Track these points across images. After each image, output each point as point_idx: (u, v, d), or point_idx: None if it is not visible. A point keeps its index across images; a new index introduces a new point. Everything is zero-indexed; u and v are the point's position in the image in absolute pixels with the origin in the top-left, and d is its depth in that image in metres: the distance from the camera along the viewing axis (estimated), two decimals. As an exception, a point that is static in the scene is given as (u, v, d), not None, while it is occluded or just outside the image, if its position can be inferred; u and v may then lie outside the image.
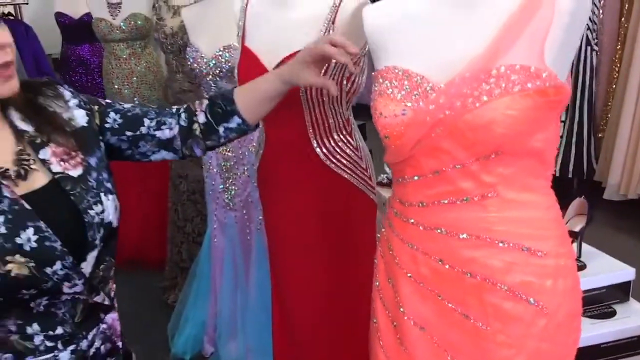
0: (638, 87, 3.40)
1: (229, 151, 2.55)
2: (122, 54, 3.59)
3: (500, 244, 1.09)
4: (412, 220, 1.16)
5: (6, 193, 0.98)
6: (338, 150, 1.68)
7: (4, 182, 1.00)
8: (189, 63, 2.49)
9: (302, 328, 1.94)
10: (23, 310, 1.01)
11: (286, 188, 1.75)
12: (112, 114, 1.20)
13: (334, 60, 1.54)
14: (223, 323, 2.76)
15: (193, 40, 2.49)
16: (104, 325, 1.13)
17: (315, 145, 1.67)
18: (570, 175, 3.70)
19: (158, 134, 1.25)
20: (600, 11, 3.56)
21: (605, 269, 1.87)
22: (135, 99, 3.65)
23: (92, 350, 1.11)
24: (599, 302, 1.85)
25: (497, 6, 1.06)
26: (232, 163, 2.56)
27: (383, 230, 1.28)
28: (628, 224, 3.47)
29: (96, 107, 1.19)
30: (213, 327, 2.85)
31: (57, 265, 0.99)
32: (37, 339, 1.03)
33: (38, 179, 1.04)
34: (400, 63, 1.11)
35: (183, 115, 1.28)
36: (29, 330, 1.02)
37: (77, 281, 1.03)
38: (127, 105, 1.26)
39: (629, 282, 1.89)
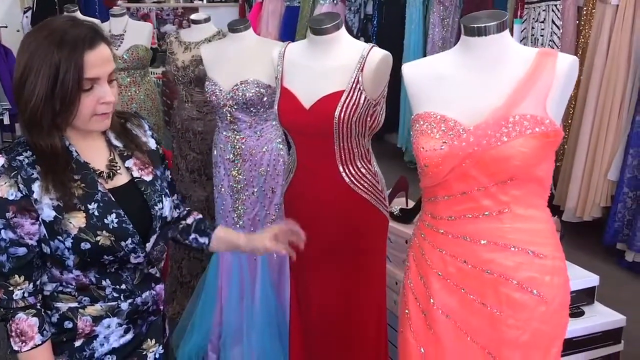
0: (591, 122, 3.87)
1: (240, 174, 2.83)
2: (123, 82, 3.83)
3: (512, 248, 1.44)
4: (442, 230, 1.50)
5: (100, 188, 1.37)
6: (360, 175, 2.01)
7: (99, 180, 1.38)
8: (207, 95, 2.77)
9: (318, 330, 2.24)
10: (100, 268, 1.39)
11: (314, 207, 2.06)
12: (166, 172, 1.59)
13: (361, 102, 1.88)
14: (228, 331, 3.00)
15: (211, 75, 2.78)
16: (154, 292, 1.49)
17: (341, 170, 1.99)
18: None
19: (174, 212, 1.62)
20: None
21: (574, 276, 2.24)
22: (134, 124, 3.89)
23: (145, 307, 1.47)
24: (570, 304, 2.22)
25: (509, 72, 1.44)
26: (242, 185, 2.84)
27: (415, 239, 1.61)
28: (583, 242, 3.92)
29: (161, 151, 1.58)
30: (217, 335, 3.09)
31: (129, 241, 1.38)
32: (108, 290, 1.42)
33: (121, 180, 1.43)
34: (437, 109, 1.46)
35: (184, 211, 1.68)
36: (103, 283, 1.41)
37: (140, 254, 1.42)
38: (170, 175, 1.61)
39: (594, 287, 2.28)
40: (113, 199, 1.38)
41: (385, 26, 5.69)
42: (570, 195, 3.89)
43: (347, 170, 1.99)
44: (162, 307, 1.54)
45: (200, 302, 3.10)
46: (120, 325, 1.44)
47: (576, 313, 2.22)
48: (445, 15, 5.15)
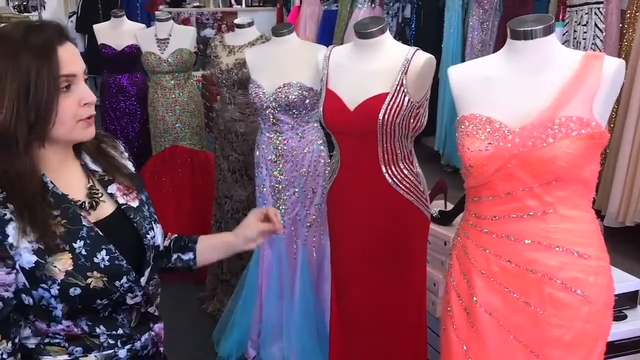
0: (634, 125, 3.82)
1: (281, 175, 2.89)
2: (167, 84, 3.95)
3: (557, 248, 1.46)
4: (486, 230, 1.53)
5: (84, 222, 1.19)
6: (403, 176, 2.05)
7: (82, 213, 1.20)
8: (250, 97, 2.85)
9: (358, 329, 2.28)
10: (93, 315, 1.22)
11: (357, 207, 2.11)
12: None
13: (405, 104, 1.91)
14: (268, 328, 3.07)
15: (255, 77, 2.85)
16: (153, 333, 1.33)
17: (384, 171, 2.03)
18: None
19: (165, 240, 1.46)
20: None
21: (616, 280, 2.23)
22: (178, 124, 4.00)
23: (145, 351, 1.31)
24: (613, 307, 2.21)
25: (556, 73, 1.45)
26: (283, 185, 2.91)
27: (458, 238, 1.64)
28: (625, 247, 3.87)
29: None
30: (257, 332, 3.16)
31: (124, 279, 1.21)
32: (102, 337, 1.24)
33: (105, 209, 1.26)
34: (482, 111, 1.49)
35: None
36: (97, 330, 1.23)
37: (138, 292, 1.25)
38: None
39: (637, 291, 2.27)
40: (100, 233, 1.20)
41: (423, 30, 5.70)
42: (612, 200, 3.85)
43: (389, 171, 2.03)
44: (161, 349, 1.38)
45: (241, 300, 3.18)
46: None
47: (619, 317, 2.22)
48: (485, 19, 5.14)
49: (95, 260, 1.17)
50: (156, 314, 1.34)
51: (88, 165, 1.28)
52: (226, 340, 3.19)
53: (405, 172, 2.05)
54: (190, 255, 1.46)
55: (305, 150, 2.82)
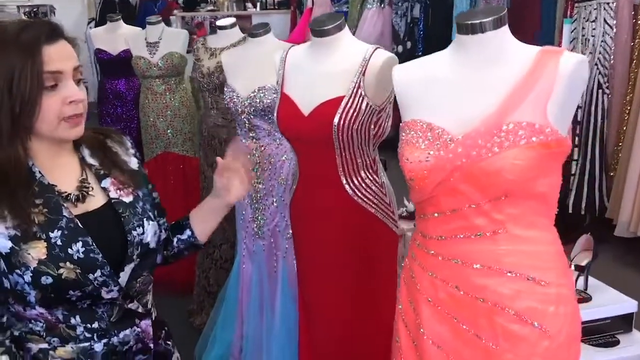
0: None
1: (259, 183, 2.74)
2: (158, 89, 3.83)
3: (509, 274, 1.27)
4: (432, 252, 1.34)
5: (65, 213, 1.21)
6: (364, 186, 1.87)
7: (65, 204, 1.22)
8: (225, 102, 2.70)
9: (326, 348, 2.10)
10: (69, 305, 1.23)
11: (316, 220, 1.93)
12: (154, 194, 1.44)
13: (363, 108, 1.74)
14: (249, 345, 2.91)
15: (230, 81, 2.70)
16: (138, 329, 1.32)
17: (344, 182, 1.86)
18: (582, 212, 3.84)
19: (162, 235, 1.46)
20: (612, 57, 3.75)
21: (609, 301, 2.02)
22: (169, 130, 3.88)
23: (125, 347, 1.30)
24: (604, 332, 1.99)
25: (506, 73, 1.26)
26: (262, 194, 2.75)
27: (406, 259, 1.46)
28: (636, 259, 3.60)
29: (146, 172, 1.43)
30: (239, 348, 3.00)
31: (97, 273, 1.21)
32: (79, 329, 1.25)
33: (95, 202, 1.27)
34: (424, 117, 1.31)
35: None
36: (73, 321, 1.24)
37: (113, 287, 1.24)
38: (158, 197, 1.48)
39: (632, 314, 2.04)
40: (80, 225, 1.22)
41: (431, 29, 5.49)
42: (624, 208, 3.58)
43: (350, 182, 1.86)
44: (151, 346, 1.36)
45: (222, 314, 3.03)
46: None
47: (610, 342, 1.99)
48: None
49: (70, 251, 1.19)
50: (140, 310, 1.32)
51: (85, 158, 1.30)
52: (207, 356, 3.05)
53: (368, 182, 1.87)
54: (188, 232, 1.47)
55: (283, 158, 2.66)
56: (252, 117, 2.61)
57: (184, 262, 3.80)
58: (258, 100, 2.57)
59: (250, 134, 2.70)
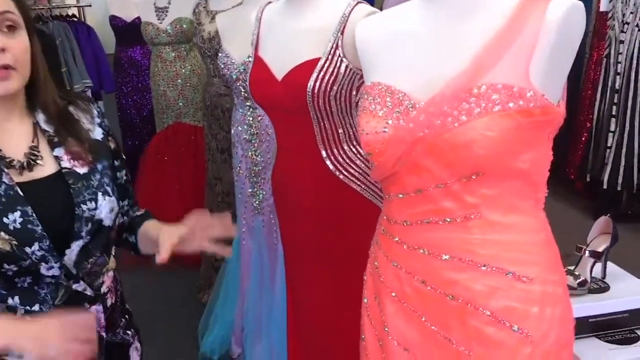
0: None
1: (258, 156, 2.57)
2: (168, 56, 3.68)
3: (483, 268, 1.05)
4: (397, 239, 1.14)
5: (5, 180, 1.12)
6: (347, 160, 1.67)
7: (6, 170, 1.13)
8: (220, 68, 2.52)
9: (311, 329, 1.94)
10: (7, 283, 1.14)
11: (297, 197, 1.75)
12: (118, 173, 1.32)
13: (342, 72, 1.54)
14: (250, 324, 2.78)
15: (225, 46, 2.52)
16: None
17: (324, 155, 1.66)
18: (619, 188, 3.54)
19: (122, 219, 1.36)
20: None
21: (630, 292, 1.78)
22: (180, 101, 3.74)
23: None
24: (621, 327, 1.75)
25: (483, 25, 1.03)
26: (260, 167, 2.58)
27: (372, 247, 1.26)
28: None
29: (113, 146, 1.31)
30: (240, 327, 2.88)
31: (35, 247, 1.11)
32: (19, 312, 1.15)
33: (43, 171, 1.17)
34: (385, 79, 1.09)
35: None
36: (10, 301, 1.15)
37: (54, 264, 1.14)
38: (125, 176, 1.35)
39: (654, 306, 1.79)
40: (21, 193, 1.12)
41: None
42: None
43: (331, 155, 1.66)
44: (103, 334, 1.26)
45: (222, 293, 2.91)
46: None
47: (628, 339, 1.75)
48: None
49: (6, 220, 1.10)
50: (88, 293, 1.21)
51: (40, 123, 1.21)
52: (208, 336, 2.94)
53: (351, 155, 1.67)
54: (133, 239, 1.37)
55: (282, 128, 2.47)
56: (247, 84, 2.43)
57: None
58: (253, 66, 2.39)
59: (247, 103, 2.52)
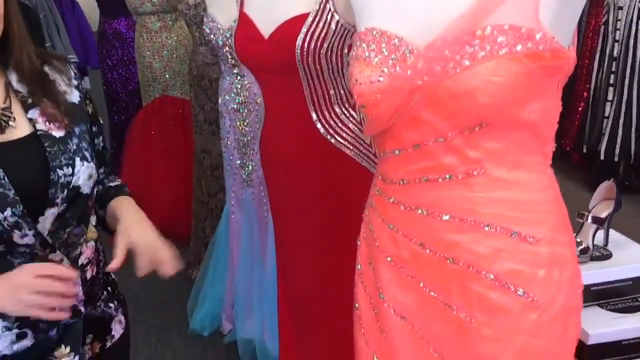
0: None
1: (246, 126, 2.49)
2: (153, 26, 3.57)
3: (487, 228, 0.98)
4: (393, 199, 1.06)
5: None
6: (340, 124, 1.58)
7: None
8: (205, 34, 2.42)
9: (302, 300, 1.88)
10: None
11: (287, 164, 1.67)
12: (96, 140, 1.25)
13: (332, 28, 1.45)
14: (240, 300, 2.72)
15: (210, 10, 2.41)
16: None
17: (315, 118, 1.57)
18: (616, 158, 3.47)
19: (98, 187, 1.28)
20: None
21: (633, 259, 1.72)
22: (166, 73, 3.63)
23: None
24: (624, 295, 1.69)
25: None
26: (249, 138, 2.50)
27: (366, 210, 1.18)
28: None
29: (90, 110, 1.24)
30: (231, 304, 2.82)
31: (8, 212, 1.04)
32: None
33: (15, 133, 1.09)
34: (380, 24, 1.00)
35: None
36: None
37: (28, 232, 1.06)
38: (102, 142, 1.29)
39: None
40: None
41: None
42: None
43: (322, 118, 1.57)
44: (82, 309, 1.19)
45: (211, 268, 2.84)
46: (8, 329, 1.11)
47: (632, 307, 1.69)
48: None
49: None
50: (65, 263, 1.14)
51: (12, 83, 1.13)
52: (198, 313, 2.87)
53: (344, 118, 1.58)
54: (102, 213, 1.28)
55: (271, 96, 2.38)
56: (234, 50, 2.33)
57: (182, 212, 3.63)
58: (240, 31, 2.28)
59: (234, 70, 2.43)
